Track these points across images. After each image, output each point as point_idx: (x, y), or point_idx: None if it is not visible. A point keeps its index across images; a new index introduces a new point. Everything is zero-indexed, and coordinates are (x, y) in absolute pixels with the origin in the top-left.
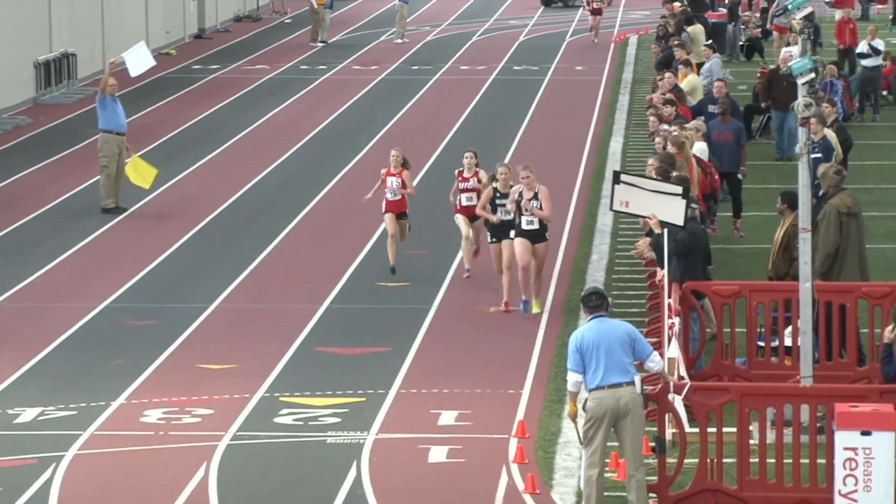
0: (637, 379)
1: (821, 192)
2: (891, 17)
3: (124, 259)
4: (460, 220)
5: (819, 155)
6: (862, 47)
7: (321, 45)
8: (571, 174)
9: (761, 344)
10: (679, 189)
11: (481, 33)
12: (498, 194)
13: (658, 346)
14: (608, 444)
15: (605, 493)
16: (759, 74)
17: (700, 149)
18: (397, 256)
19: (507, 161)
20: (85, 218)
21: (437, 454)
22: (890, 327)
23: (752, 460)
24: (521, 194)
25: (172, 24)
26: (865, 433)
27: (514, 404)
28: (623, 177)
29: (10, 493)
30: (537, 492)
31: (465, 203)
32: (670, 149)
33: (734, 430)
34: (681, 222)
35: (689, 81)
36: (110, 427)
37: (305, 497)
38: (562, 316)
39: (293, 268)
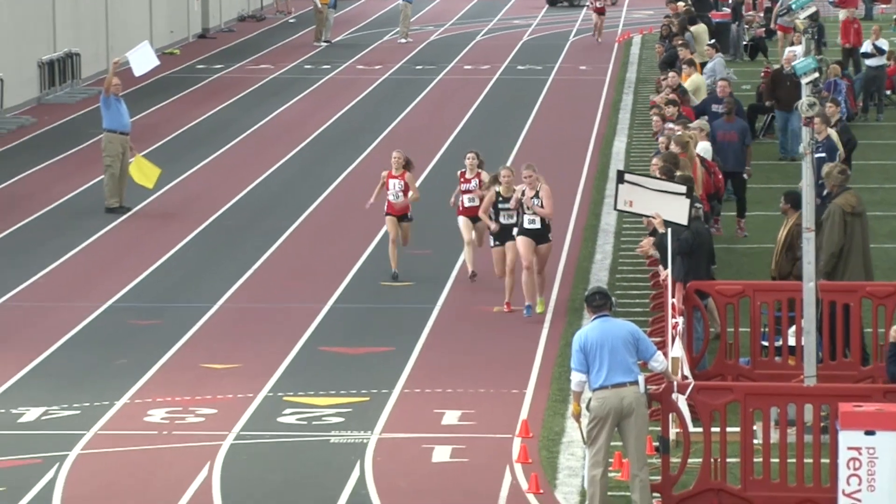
0: (641, 378)
1: (825, 192)
2: (895, 16)
3: (128, 259)
4: (462, 224)
5: (823, 155)
6: (866, 47)
7: (325, 44)
8: (575, 174)
9: (765, 343)
10: (683, 189)
11: (485, 33)
12: (501, 198)
13: (662, 346)
14: (612, 443)
15: (609, 493)
16: (762, 74)
17: (704, 148)
18: (400, 259)
19: (510, 162)
20: (89, 217)
21: (441, 454)
22: (895, 327)
23: (755, 460)
24: (523, 192)
25: (176, 23)
26: (869, 433)
27: (518, 404)
28: (627, 176)
29: (13, 492)
30: (541, 491)
31: (467, 204)
32: (674, 148)
33: (738, 429)
34: (685, 222)
35: (692, 81)
36: (114, 427)
37: (309, 496)
38: (565, 315)
39: (297, 267)
